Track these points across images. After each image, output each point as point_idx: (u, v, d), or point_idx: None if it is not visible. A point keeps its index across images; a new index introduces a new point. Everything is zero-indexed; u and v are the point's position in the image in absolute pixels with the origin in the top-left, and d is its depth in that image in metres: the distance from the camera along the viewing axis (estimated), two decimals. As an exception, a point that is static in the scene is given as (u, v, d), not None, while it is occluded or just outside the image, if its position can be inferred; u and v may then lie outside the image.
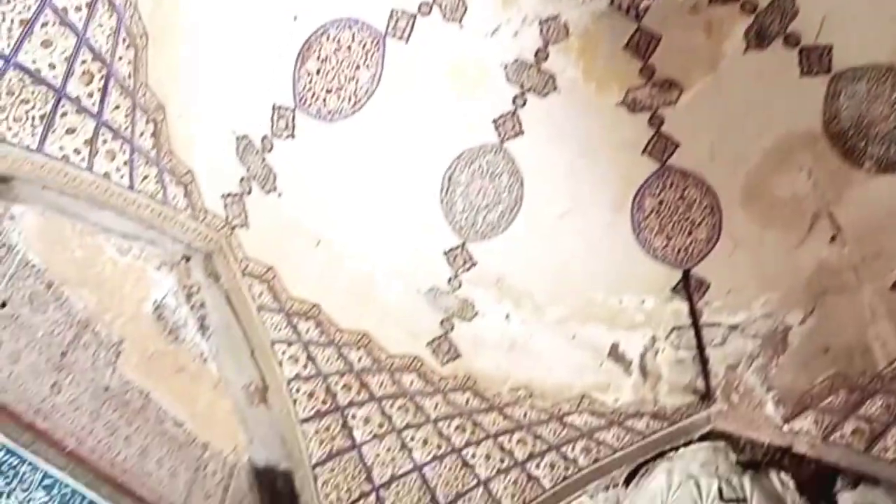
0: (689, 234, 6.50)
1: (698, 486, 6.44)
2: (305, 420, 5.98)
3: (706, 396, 6.19)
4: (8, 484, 4.23)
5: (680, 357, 6.38)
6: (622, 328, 6.55)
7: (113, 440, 4.86)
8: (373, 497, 6.23)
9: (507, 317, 6.68)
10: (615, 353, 6.50)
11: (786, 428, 5.96)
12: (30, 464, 4.37)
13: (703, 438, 6.23)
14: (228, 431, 5.82)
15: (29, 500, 4.32)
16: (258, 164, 5.70)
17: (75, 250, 4.77)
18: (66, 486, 4.55)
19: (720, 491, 6.08)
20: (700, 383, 6.24)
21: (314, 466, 6.04)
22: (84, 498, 4.64)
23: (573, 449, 6.34)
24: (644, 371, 6.44)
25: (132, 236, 5.02)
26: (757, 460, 6.17)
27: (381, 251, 6.40)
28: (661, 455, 6.25)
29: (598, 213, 6.61)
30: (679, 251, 6.52)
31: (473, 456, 6.37)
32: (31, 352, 4.42)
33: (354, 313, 6.23)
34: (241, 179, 5.58)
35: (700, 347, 6.20)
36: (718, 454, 6.23)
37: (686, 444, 6.22)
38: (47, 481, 4.45)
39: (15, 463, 4.29)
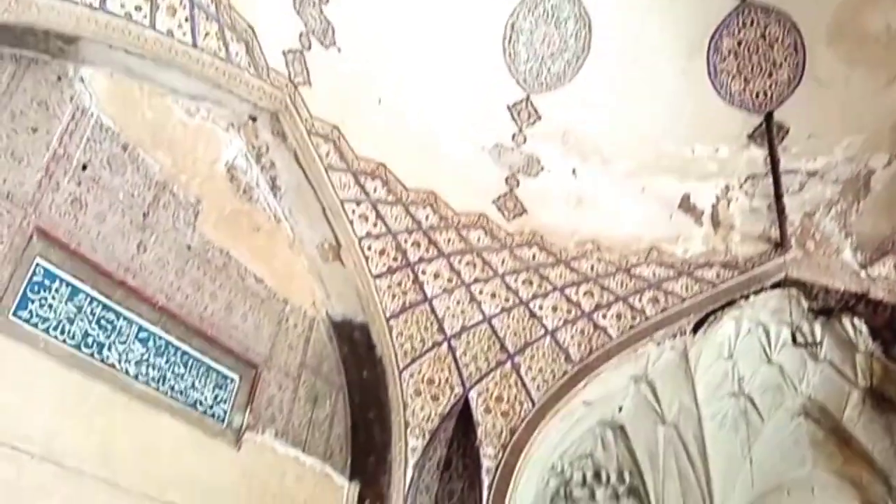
0: (770, 75, 6.13)
1: (767, 334, 6.48)
2: (378, 276, 6.13)
3: (780, 245, 6.08)
4: (108, 337, 4.50)
5: (754, 206, 6.23)
6: (694, 179, 6.39)
7: (199, 296, 5.09)
8: (445, 346, 6.48)
9: (574, 172, 6.57)
10: (686, 205, 6.38)
11: (863, 274, 5.86)
12: (125, 318, 4.62)
13: (774, 287, 6.18)
14: (306, 287, 6.04)
15: (128, 352, 4.60)
16: (316, 18, 5.51)
17: (146, 112, 4.79)
18: (160, 338, 4.83)
19: (793, 336, 6.08)
20: (774, 232, 6.11)
21: (388, 319, 6.25)
22: (177, 349, 4.93)
23: (640, 299, 6.39)
24: (716, 221, 6.33)
25: (199, 97, 5.00)
26: (830, 307, 6.14)
27: (443, 108, 6.26)
28: (731, 304, 6.26)
29: (672, 59, 6.27)
30: (758, 95, 6.19)
31: (541, 308, 6.49)
32: (114, 213, 4.55)
33: (420, 172, 6.22)
34: (300, 35, 5.43)
35: (777, 195, 6.01)
36: (790, 301, 6.20)
37: (757, 293, 6.19)
38: (142, 335, 4.71)
39: (111, 318, 4.54)
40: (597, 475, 7.45)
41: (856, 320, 6.01)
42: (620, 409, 7.02)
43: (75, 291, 4.34)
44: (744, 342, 6.53)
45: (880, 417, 6.45)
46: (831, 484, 6.80)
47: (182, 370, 4.94)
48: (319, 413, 6.07)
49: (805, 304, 6.20)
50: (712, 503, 6.93)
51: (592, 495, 7.46)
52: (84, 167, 4.39)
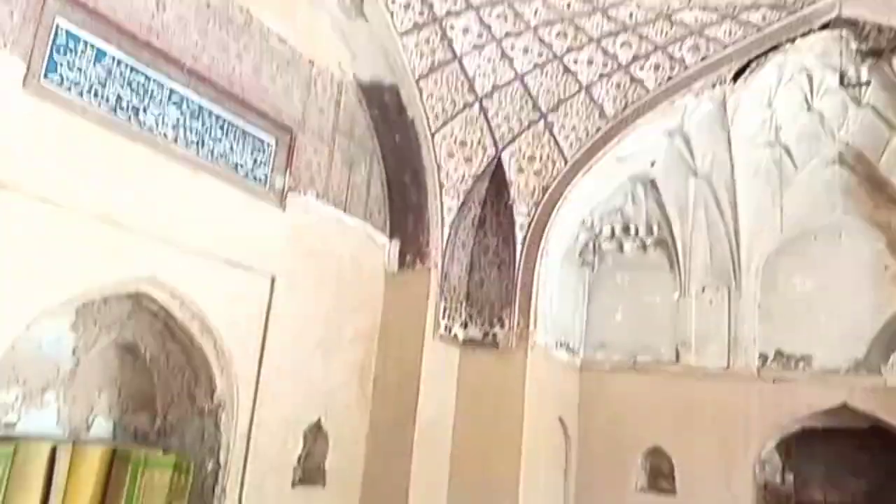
0: None
1: (810, 79, 6.26)
2: (404, 33, 5.86)
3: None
4: (141, 101, 4.45)
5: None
6: None
7: (225, 57, 4.94)
8: (476, 107, 6.37)
9: None
10: (736, -61, 5.84)
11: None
12: (155, 81, 4.54)
13: (823, 28, 5.83)
14: (331, 48, 5.82)
15: (163, 116, 4.58)
16: None
17: None
18: (193, 102, 4.77)
19: (840, 77, 5.85)
20: (828, -35, 5.63)
21: (418, 80, 6.09)
22: (211, 113, 4.90)
23: (681, 48, 6.10)
24: (766, -44, 5.82)
25: None
26: (881, 48, 5.84)
27: None
28: (775, 48, 5.96)
29: None
30: None
31: (575, 62, 6.25)
32: (127, -31, 4.29)
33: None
34: None
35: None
36: (838, 43, 5.89)
37: (804, 35, 5.86)
38: (175, 98, 4.66)
39: (142, 81, 4.46)
40: (625, 229, 7.68)
41: (906, 60, 5.76)
42: (653, 163, 7.03)
43: (101, 54, 4.23)
44: (785, 89, 6.32)
45: (917, 161, 6.42)
46: (859, 228, 6.95)
47: (219, 134, 4.95)
48: (356, 177, 6.15)
49: (854, 45, 5.89)
50: (739, 251, 7.18)
51: (620, 248, 7.75)
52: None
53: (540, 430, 6.68)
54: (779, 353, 7.08)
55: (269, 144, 5.32)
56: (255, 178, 5.20)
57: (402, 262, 6.48)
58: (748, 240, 7.14)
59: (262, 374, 5.04)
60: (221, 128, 4.97)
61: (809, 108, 6.48)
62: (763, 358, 7.10)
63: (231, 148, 5.03)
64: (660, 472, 7.29)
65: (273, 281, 5.19)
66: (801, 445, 7.62)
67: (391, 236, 6.52)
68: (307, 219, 5.56)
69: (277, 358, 5.18)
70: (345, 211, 5.99)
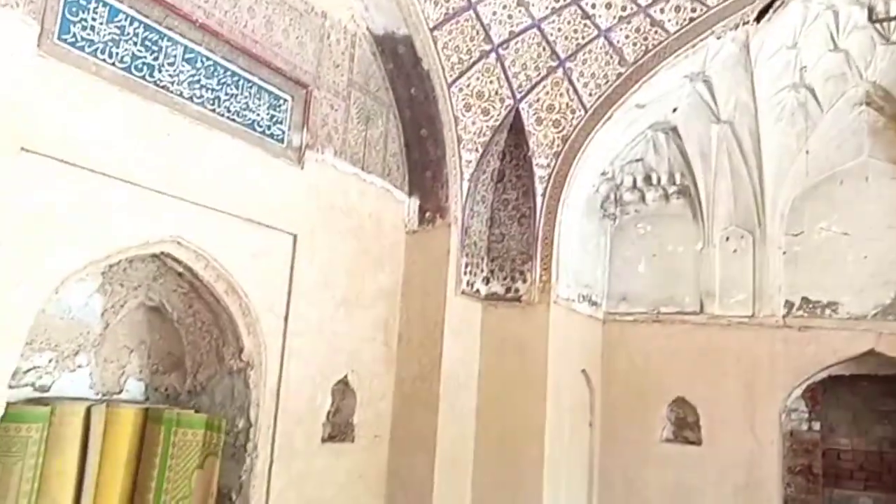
0: None
1: (836, 16, 6.05)
2: (418, -18, 5.73)
3: None
4: (155, 59, 4.38)
5: None
6: None
7: (237, 12, 4.83)
8: (493, 56, 6.23)
9: None
10: None
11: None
12: (168, 38, 4.46)
13: (851, -39, 5.64)
14: (343, -1, 5.71)
15: (178, 74, 4.51)
16: None
17: None
18: (207, 59, 4.69)
19: (869, 12, 5.67)
20: None
21: (432, 30, 5.95)
22: (226, 70, 4.81)
23: (702, -12, 5.93)
24: None
25: None
26: (911, -21, 5.64)
27: None
28: (801, -15, 5.78)
29: None
30: None
31: (593, 5, 6.08)
32: (134, -78, 4.18)
33: None
34: None
35: None
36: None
37: (831, -31, 5.67)
38: (189, 55, 4.58)
39: (155, 38, 4.38)
40: (647, 178, 7.58)
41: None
42: (675, 110, 6.89)
43: (114, 12, 4.15)
44: (810, 28, 6.12)
45: (948, 96, 6.24)
46: (886, 171, 6.80)
47: (235, 91, 4.87)
48: (373, 132, 6.07)
49: (883, -22, 5.70)
50: (763, 197, 7.07)
51: (643, 198, 7.66)
52: None
53: (564, 383, 6.69)
54: (805, 301, 7.01)
55: (285, 101, 5.25)
56: (272, 136, 5.13)
57: (421, 219, 6.44)
58: (773, 186, 7.01)
59: (288, 332, 5.04)
60: (237, 85, 4.89)
61: (836, 47, 6.27)
62: (789, 305, 7.04)
63: (247, 106, 4.96)
64: (685, 423, 7.30)
65: (295, 239, 5.16)
66: (827, 393, 7.61)
67: (410, 192, 6.46)
68: (325, 176, 5.50)
69: (303, 316, 5.18)
70: (363, 168, 5.92)
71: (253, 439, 4.81)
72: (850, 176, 6.96)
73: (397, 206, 6.34)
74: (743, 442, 6.93)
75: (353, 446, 5.67)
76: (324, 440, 5.41)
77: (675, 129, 7.12)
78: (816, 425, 7.69)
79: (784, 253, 7.10)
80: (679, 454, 7.17)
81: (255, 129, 5.00)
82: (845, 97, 6.66)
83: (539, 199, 6.65)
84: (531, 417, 6.35)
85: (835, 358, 6.80)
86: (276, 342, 4.96)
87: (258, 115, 5.04)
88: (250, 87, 4.99)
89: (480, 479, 6.37)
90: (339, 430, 5.58)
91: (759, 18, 5.95)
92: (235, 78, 4.88)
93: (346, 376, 5.61)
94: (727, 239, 7.32)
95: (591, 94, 6.40)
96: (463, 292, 6.44)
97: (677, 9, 6.01)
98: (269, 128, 5.11)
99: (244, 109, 4.93)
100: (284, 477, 4.99)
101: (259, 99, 5.06)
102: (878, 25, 5.96)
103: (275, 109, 5.17)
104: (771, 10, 5.91)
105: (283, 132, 5.22)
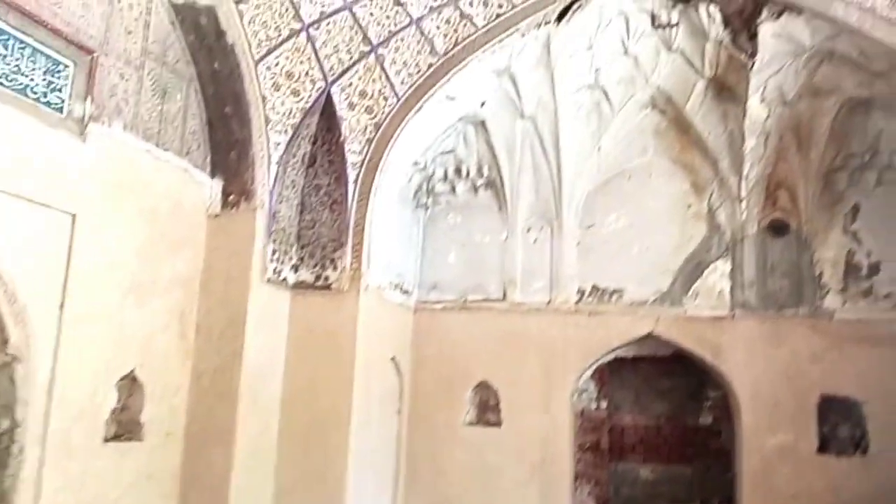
0: None
1: (627, 23, 6.52)
2: (222, -50, 5.40)
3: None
4: None
5: None
6: None
7: (6, -39, 4.28)
8: (303, 36, 6.04)
9: None
10: None
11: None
12: (-85, -17, 3.85)
13: (641, -27, 6.10)
14: (137, -41, 5.24)
15: (-72, 25, 3.91)
16: None
17: None
18: (-33, 12, 4.11)
19: (652, 18, 6.17)
20: None
21: (238, 2, 5.67)
22: (-9, 26, 4.25)
23: (508, -16, 6.14)
24: None
25: None
26: (688, -6, 6.21)
27: None
28: (597, -10, 6.16)
29: None
30: None
31: (405, -7, 6.10)
32: None
33: None
34: None
35: None
36: (653, -13, 6.19)
37: (620, -22, 6.09)
38: (-57, 5, 3.99)
39: None
40: (458, 170, 7.75)
41: (711, 7, 6.15)
42: (483, 104, 7.09)
43: None
44: (604, 33, 6.55)
45: (718, 107, 6.94)
46: (667, 169, 7.47)
47: (3, 51, 4.31)
48: (170, 106, 5.65)
49: (665, -9, 6.23)
50: (561, 191, 7.49)
51: (453, 189, 7.83)
52: None
53: (373, 372, 6.67)
54: (595, 288, 7.51)
55: (65, 66, 4.73)
56: (48, 104, 4.61)
57: (225, 202, 6.11)
58: (570, 180, 7.45)
59: (63, 323, 4.56)
60: (6, 45, 4.33)
61: (626, 52, 6.77)
62: (581, 293, 7.51)
63: (18, 69, 4.41)
64: (487, 406, 7.57)
65: (74, 219, 4.68)
66: (613, 374, 8.26)
67: (213, 174, 6.10)
68: (113, 152, 5.04)
69: (82, 304, 4.71)
70: (157, 145, 5.50)
71: (19, 441, 4.30)
72: (637, 173, 7.56)
73: (198, 187, 5.96)
74: (539, 422, 7.31)
75: (142, 445, 5.27)
76: (107, 439, 4.97)
77: (483, 123, 7.34)
78: (604, 404, 8.34)
79: (578, 243, 7.57)
80: (481, 436, 7.43)
81: (27, 96, 4.46)
82: (634, 99, 7.21)
83: (351, 186, 6.57)
84: (338, 407, 6.26)
85: (619, 341, 7.37)
86: (48, 334, 4.48)
87: (32, 79, 4.50)
88: (23, 48, 4.45)
89: (284, 472, 6.20)
90: (125, 427, 5.15)
91: (559, 19, 6.27)
92: (5, 37, 4.32)
93: (133, 370, 5.19)
94: (528, 230, 7.68)
95: (402, 83, 6.41)
96: (269, 280, 6.21)
97: (485, 4, 6.17)
98: (45, 94, 4.59)
99: (14, 73, 4.39)
100: (59, 480, 4.53)
101: (33, 62, 4.52)
102: (662, 32, 6.50)
103: (53, 75, 4.65)
104: (570, 12, 6.25)
105: (63, 101, 4.71)
